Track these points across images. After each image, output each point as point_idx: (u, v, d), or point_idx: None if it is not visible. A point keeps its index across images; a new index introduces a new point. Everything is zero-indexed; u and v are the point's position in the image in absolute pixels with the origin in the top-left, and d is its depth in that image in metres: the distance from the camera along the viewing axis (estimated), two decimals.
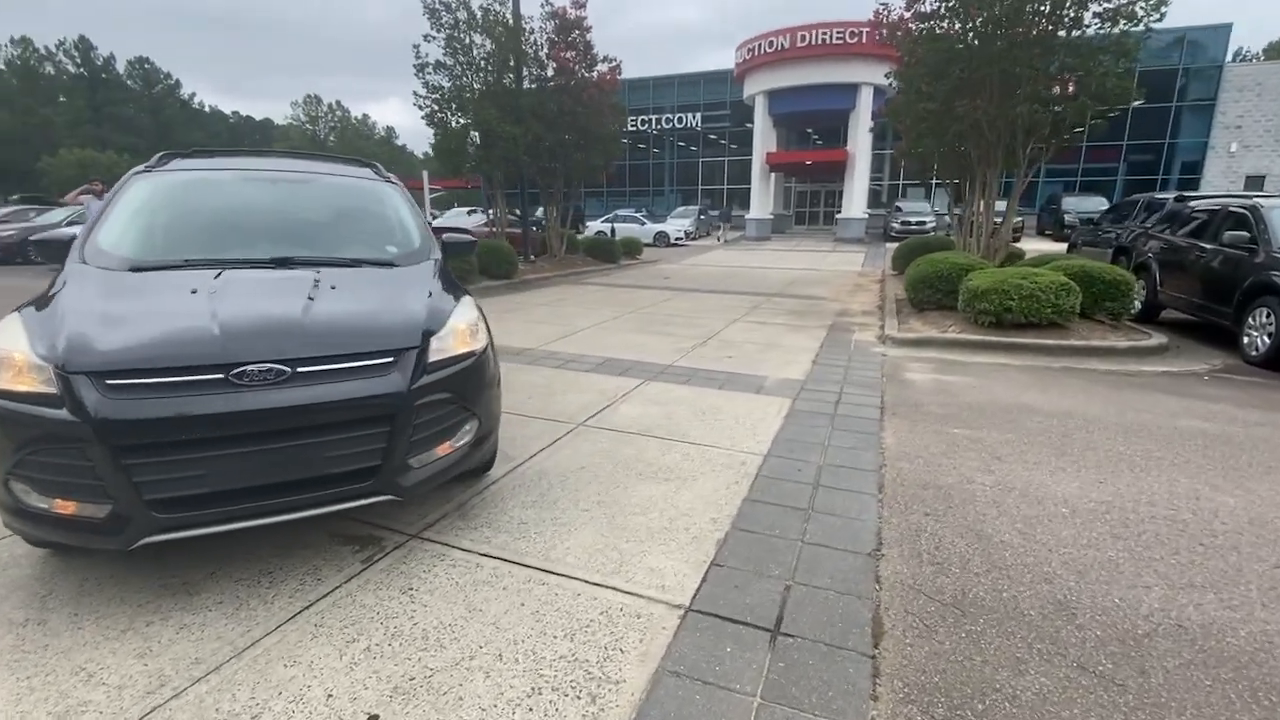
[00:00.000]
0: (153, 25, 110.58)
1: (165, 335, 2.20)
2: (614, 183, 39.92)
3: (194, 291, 2.43)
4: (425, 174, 17.37)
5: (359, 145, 70.02)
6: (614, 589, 2.38)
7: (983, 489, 3.28)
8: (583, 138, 14.44)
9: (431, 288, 2.91)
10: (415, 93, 12.65)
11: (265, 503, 2.17)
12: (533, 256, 14.58)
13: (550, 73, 13.91)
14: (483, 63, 12.88)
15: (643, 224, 26.63)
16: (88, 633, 2.11)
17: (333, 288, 2.65)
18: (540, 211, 15.75)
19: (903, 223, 24.97)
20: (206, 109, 74.30)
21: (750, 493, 3.21)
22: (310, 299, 2.49)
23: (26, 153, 47.16)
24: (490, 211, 14.68)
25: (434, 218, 29.47)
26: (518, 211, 15.04)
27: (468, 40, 12.56)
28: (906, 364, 6.12)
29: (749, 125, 30.38)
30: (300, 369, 2.20)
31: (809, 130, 34.95)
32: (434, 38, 12.47)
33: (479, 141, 12.96)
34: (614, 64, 14.69)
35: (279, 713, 1.78)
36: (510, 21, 12.76)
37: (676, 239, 26.02)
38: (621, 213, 29.31)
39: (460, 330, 2.70)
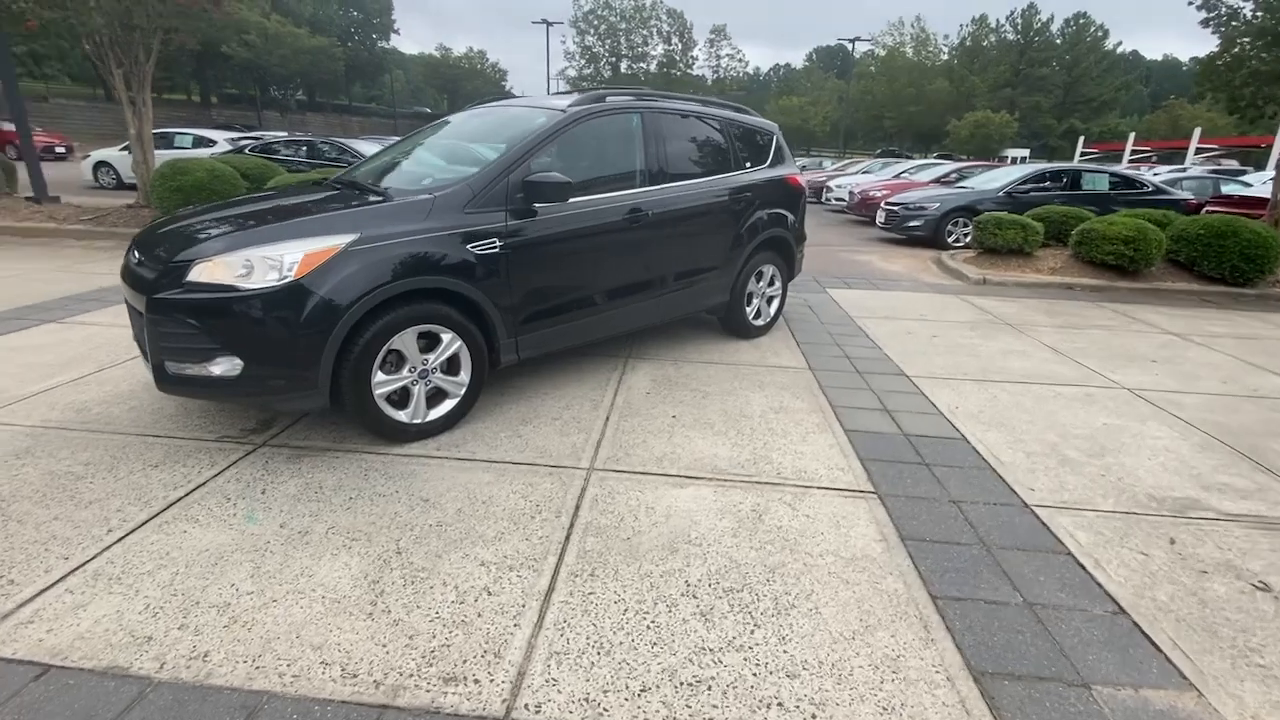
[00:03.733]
0: None
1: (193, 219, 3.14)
2: None
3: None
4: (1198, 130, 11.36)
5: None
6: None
7: None
8: None
9: (334, 223, 2.74)
10: None
11: None
12: None
13: None
14: None
15: None
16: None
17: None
18: None
19: None
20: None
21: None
22: (259, 218, 2.94)
23: (952, 116, 56.40)
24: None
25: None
26: None
27: None
28: None
29: None
30: (149, 261, 2.74)
31: None
32: None
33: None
34: None
35: None
36: None
37: None
38: None
39: (246, 262, 2.50)
